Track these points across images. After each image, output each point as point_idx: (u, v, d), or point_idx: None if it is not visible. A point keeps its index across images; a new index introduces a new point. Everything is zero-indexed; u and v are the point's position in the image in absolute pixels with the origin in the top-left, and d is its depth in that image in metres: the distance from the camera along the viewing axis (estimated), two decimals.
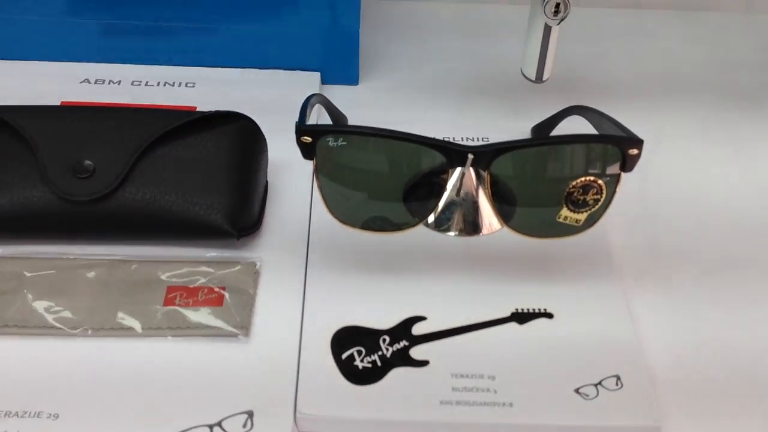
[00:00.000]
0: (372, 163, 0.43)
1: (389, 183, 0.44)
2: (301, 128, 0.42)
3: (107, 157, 0.47)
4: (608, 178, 0.43)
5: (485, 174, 0.43)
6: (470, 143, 0.55)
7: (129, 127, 0.48)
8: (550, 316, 0.46)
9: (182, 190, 0.47)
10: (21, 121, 0.48)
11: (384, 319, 0.45)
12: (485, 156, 0.42)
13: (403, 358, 0.43)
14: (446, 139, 0.43)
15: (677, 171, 0.57)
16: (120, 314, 0.44)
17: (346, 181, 0.44)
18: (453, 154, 0.42)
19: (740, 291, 0.49)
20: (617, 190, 0.44)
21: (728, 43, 0.71)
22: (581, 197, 0.43)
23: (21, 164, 0.47)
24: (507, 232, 0.48)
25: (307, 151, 0.43)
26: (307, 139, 0.42)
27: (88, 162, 0.47)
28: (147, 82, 0.61)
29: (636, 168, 0.45)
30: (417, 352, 0.44)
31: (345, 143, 0.42)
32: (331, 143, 0.42)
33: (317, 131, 0.42)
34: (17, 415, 0.40)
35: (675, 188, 0.56)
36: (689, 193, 0.56)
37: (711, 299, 0.48)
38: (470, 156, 0.41)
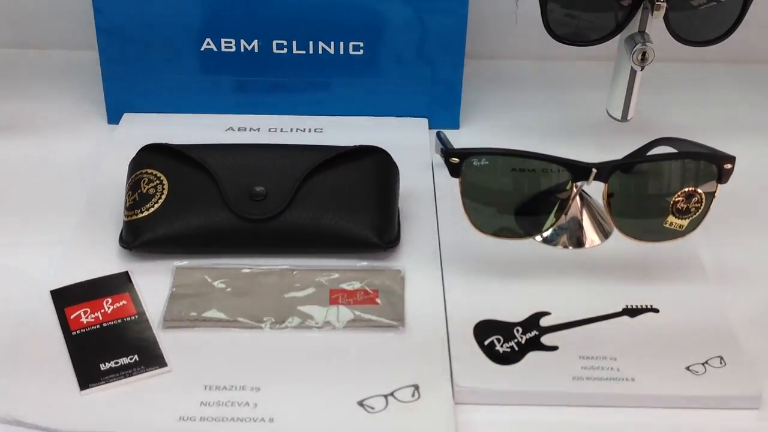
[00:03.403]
0: (507, 179, 0.52)
1: (520, 196, 0.53)
2: (451, 152, 0.51)
3: (276, 183, 0.57)
4: (707, 189, 0.52)
5: (604, 186, 0.51)
6: None
7: (291, 159, 0.58)
8: (656, 311, 0.54)
9: (338, 210, 0.56)
10: (203, 156, 0.58)
11: (515, 314, 0.53)
12: (605, 170, 0.51)
13: (536, 344, 0.51)
14: None
15: (742, 194, 0.65)
16: (297, 310, 0.53)
17: (484, 194, 0.53)
18: (578, 169, 0.51)
19: None
20: (715, 199, 0.52)
21: None
22: (685, 205, 0.52)
23: (206, 191, 0.57)
24: (612, 243, 0.57)
25: (455, 170, 0.52)
26: (455, 159, 0.51)
27: (261, 188, 0.56)
28: (282, 129, 0.70)
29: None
30: (547, 340, 0.52)
31: (486, 163, 0.52)
32: (474, 163, 0.51)
33: (465, 153, 0.51)
34: (226, 388, 0.48)
35: (742, 212, 0.64)
36: (754, 215, 0.64)
37: None
38: (594, 170, 0.50)
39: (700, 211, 0.53)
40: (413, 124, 0.72)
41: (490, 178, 0.53)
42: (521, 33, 0.79)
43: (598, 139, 0.71)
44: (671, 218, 0.53)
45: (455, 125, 0.73)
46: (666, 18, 0.61)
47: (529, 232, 0.54)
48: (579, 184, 0.52)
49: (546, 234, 0.58)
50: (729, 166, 0.51)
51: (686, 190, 0.52)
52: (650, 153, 0.59)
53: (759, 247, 0.61)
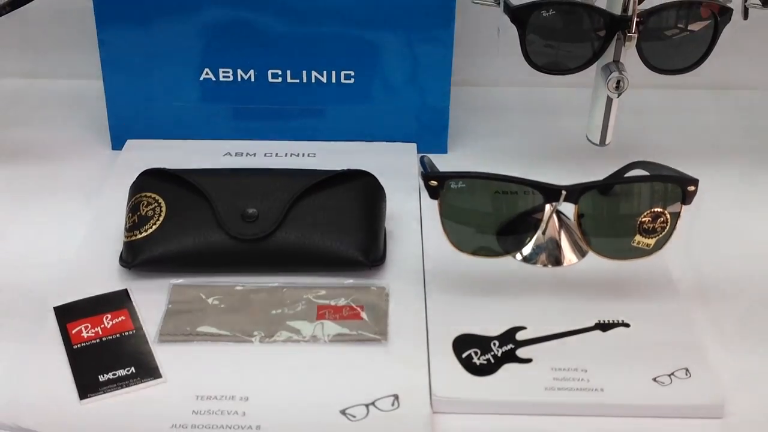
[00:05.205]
0: (484, 201, 0.56)
1: (496, 217, 0.56)
2: (429, 175, 0.54)
3: (268, 206, 0.60)
4: (672, 210, 0.55)
5: (574, 207, 0.54)
6: None
7: (282, 182, 0.61)
8: (627, 325, 0.57)
9: (326, 231, 0.60)
10: (199, 180, 0.61)
11: (492, 328, 0.56)
12: (575, 193, 0.54)
13: (511, 357, 0.54)
14: None
15: (718, 218, 0.69)
16: (286, 325, 0.56)
17: (462, 215, 0.56)
18: (549, 191, 0.54)
19: None
20: (680, 219, 0.55)
21: (758, 115, 0.83)
22: (651, 225, 0.55)
23: (200, 213, 0.60)
24: (587, 261, 0.60)
25: (434, 193, 0.55)
26: (434, 183, 0.54)
27: (252, 210, 0.60)
28: (276, 154, 0.74)
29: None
30: (522, 353, 0.55)
31: (464, 185, 0.55)
32: (452, 185, 0.55)
33: (443, 176, 0.54)
34: (216, 398, 0.51)
35: (717, 232, 0.67)
36: (728, 235, 0.67)
37: (756, 309, 0.60)
38: (563, 192, 0.53)
39: (666, 230, 0.56)
40: (402, 148, 0.75)
41: (468, 200, 0.56)
42: (507, 61, 0.83)
43: (581, 163, 0.74)
44: (639, 237, 0.56)
45: (443, 150, 0.76)
46: (639, 47, 0.64)
47: (506, 251, 0.57)
48: (553, 205, 0.55)
49: (526, 253, 0.61)
50: (692, 188, 0.54)
51: (652, 210, 0.55)
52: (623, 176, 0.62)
53: (729, 265, 0.64)
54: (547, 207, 0.56)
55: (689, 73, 0.68)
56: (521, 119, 0.81)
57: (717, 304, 0.60)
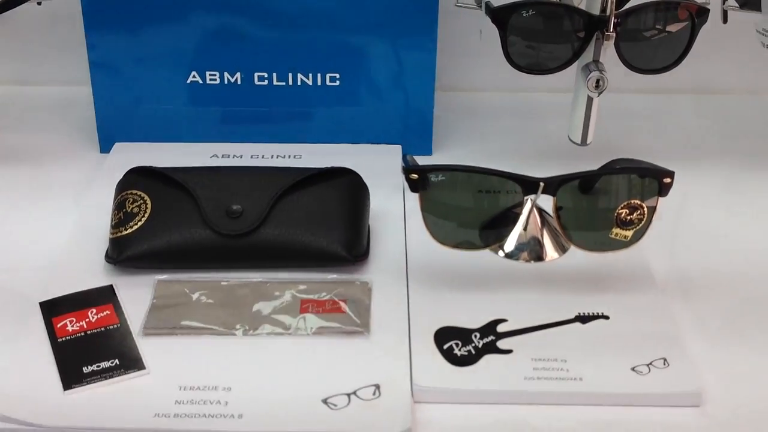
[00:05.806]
0: (464, 193, 0.56)
1: (476, 210, 0.57)
2: (410, 168, 0.55)
3: (251, 202, 0.61)
4: (649, 202, 0.56)
5: (552, 200, 0.55)
6: None
7: (266, 179, 0.62)
8: (606, 317, 0.57)
9: (309, 227, 0.60)
10: (185, 177, 0.62)
11: (474, 320, 0.57)
12: (553, 185, 0.55)
13: (492, 348, 0.55)
14: None
15: (698, 217, 0.70)
16: (269, 318, 0.56)
17: (443, 209, 0.57)
18: (528, 183, 0.55)
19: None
20: (656, 211, 0.56)
21: (738, 119, 0.84)
22: (629, 217, 0.56)
23: (186, 209, 0.61)
24: (567, 255, 0.61)
25: (414, 186, 0.56)
26: (414, 176, 0.55)
27: (237, 206, 0.61)
28: (263, 155, 0.75)
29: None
30: (502, 344, 0.55)
31: (444, 178, 0.56)
32: (432, 179, 0.55)
33: (423, 169, 0.55)
34: (199, 388, 0.52)
35: (696, 230, 0.68)
36: (707, 233, 0.68)
37: (732, 303, 0.61)
38: (541, 184, 0.54)
39: (643, 222, 0.56)
40: (388, 150, 0.76)
41: (448, 193, 0.57)
42: (492, 67, 0.84)
43: (564, 164, 0.73)
44: (616, 229, 0.56)
45: (428, 152, 0.77)
46: (617, 47, 0.66)
47: (487, 244, 0.58)
48: (532, 197, 0.56)
49: (508, 250, 0.62)
50: (668, 180, 0.55)
51: (629, 202, 0.56)
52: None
53: (708, 261, 0.65)
54: (527, 199, 0.56)
55: (671, 78, 0.70)
56: (505, 122, 0.82)
57: (695, 297, 0.61)
